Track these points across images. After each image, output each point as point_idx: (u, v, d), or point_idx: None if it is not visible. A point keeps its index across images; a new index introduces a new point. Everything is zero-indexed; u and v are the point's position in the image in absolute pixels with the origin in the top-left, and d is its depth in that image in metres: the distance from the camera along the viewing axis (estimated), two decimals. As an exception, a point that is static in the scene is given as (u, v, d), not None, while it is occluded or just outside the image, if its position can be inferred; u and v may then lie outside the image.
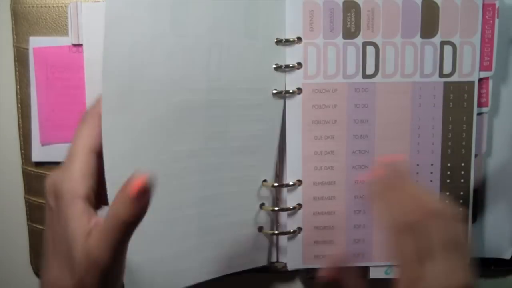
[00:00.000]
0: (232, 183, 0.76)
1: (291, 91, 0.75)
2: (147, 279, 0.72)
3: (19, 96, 0.80)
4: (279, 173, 0.79)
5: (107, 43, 0.62)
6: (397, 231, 0.53)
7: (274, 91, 0.75)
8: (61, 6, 0.78)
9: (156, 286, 0.73)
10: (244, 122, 0.74)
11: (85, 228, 0.54)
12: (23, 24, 0.78)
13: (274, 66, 0.75)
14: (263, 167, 0.77)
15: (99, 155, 0.59)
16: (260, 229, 0.79)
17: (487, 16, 0.76)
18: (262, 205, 0.78)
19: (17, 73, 0.79)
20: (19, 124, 0.80)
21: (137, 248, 0.66)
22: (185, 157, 0.71)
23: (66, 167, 0.56)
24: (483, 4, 0.75)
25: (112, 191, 0.59)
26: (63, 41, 0.78)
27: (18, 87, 0.80)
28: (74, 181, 0.55)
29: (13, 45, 0.79)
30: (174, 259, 0.73)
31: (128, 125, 0.65)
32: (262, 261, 0.81)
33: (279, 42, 0.74)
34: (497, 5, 0.75)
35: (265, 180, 0.78)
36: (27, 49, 0.78)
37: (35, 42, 0.78)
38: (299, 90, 0.75)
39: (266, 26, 0.73)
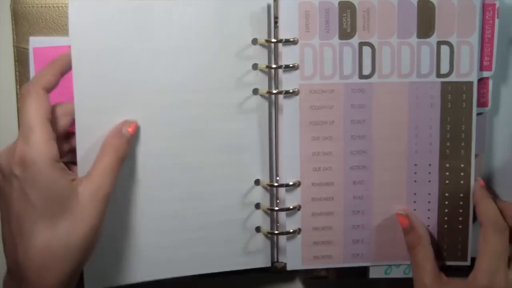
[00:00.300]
0: (220, 182, 0.77)
1: (291, 91, 0.75)
2: (136, 269, 0.76)
3: (19, 96, 0.80)
4: (275, 172, 0.79)
5: (75, 49, 0.70)
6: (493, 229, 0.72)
7: (257, 91, 0.77)
8: (61, 6, 0.79)
9: (141, 274, 0.76)
10: (224, 121, 0.76)
11: (69, 180, 0.64)
12: (23, 24, 0.79)
13: (253, 65, 0.76)
14: (253, 166, 0.78)
15: (51, 123, 0.66)
16: (258, 229, 0.79)
17: (487, 16, 0.76)
18: (257, 205, 0.79)
19: (17, 73, 0.80)
20: (19, 124, 0.80)
21: (120, 236, 0.75)
22: (163, 154, 0.75)
23: (27, 138, 0.62)
24: (483, 4, 0.75)
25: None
26: (63, 41, 0.78)
27: (18, 87, 0.80)
28: (42, 146, 0.62)
29: (13, 45, 0.80)
30: (158, 250, 0.77)
31: (102, 125, 0.71)
32: (263, 262, 0.81)
33: (278, 42, 0.75)
34: (497, 5, 0.76)
35: (257, 180, 0.78)
36: (27, 49, 0.79)
37: (35, 42, 0.79)
38: (296, 91, 0.75)
39: (239, 27, 0.75)
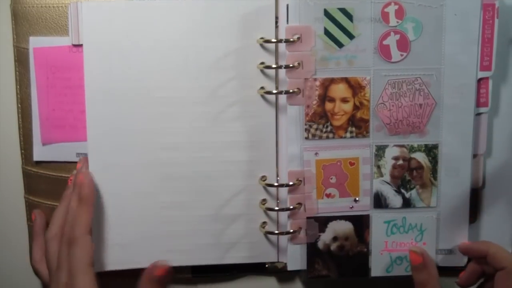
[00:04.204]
0: (225, 178, 0.82)
1: (291, 91, 0.78)
2: (141, 254, 0.82)
3: (19, 96, 0.83)
4: (276, 172, 0.83)
5: (86, 48, 0.78)
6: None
7: (263, 90, 0.80)
8: (61, 6, 0.81)
9: (147, 260, 0.79)
10: (231, 119, 0.80)
11: None
12: (23, 24, 0.82)
13: (261, 65, 0.79)
14: (260, 164, 0.82)
15: None
16: (264, 226, 0.83)
17: (487, 16, 0.78)
18: (259, 203, 0.82)
19: (17, 73, 0.83)
20: (19, 124, 0.83)
21: (128, 227, 0.81)
22: (170, 148, 0.80)
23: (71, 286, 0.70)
24: (483, 4, 0.78)
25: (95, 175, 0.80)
26: (63, 41, 0.81)
27: (18, 87, 0.83)
28: None
29: (13, 45, 0.82)
30: (164, 239, 0.82)
31: (112, 115, 0.79)
32: (265, 258, 0.85)
33: (278, 41, 0.78)
34: (497, 5, 0.78)
35: (263, 176, 0.82)
36: (27, 49, 0.81)
37: (35, 42, 0.81)
38: (299, 90, 0.78)
39: (247, 28, 0.79)
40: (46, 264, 0.75)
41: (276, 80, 0.80)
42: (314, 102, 0.79)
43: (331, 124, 0.80)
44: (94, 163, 0.80)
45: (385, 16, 0.77)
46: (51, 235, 0.75)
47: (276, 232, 0.82)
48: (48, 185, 0.84)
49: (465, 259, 0.83)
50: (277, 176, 0.82)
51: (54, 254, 0.74)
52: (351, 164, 0.81)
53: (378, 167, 0.81)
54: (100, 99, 0.79)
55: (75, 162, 0.82)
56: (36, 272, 0.79)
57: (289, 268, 0.84)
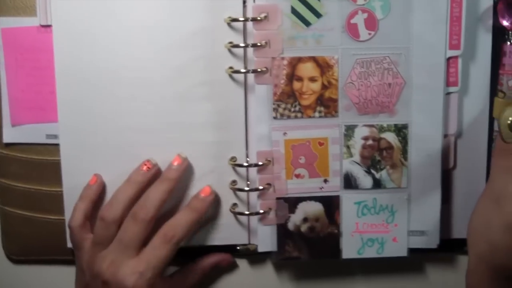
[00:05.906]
0: (195, 158, 0.82)
1: (258, 70, 0.79)
2: None
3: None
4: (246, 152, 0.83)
5: (55, 28, 0.80)
6: None
7: (231, 70, 0.80)
8: (27, -14, 0.82)
9: None
10: (199, 99, 0.81)
11: None
12: (-10, 4, 0.82)
13: (229, 44, 0.80)
14: (230, 144, 0.82)
15: None
16: (234, 207, 0.84)
17: (454, -6, 0.79)
18: (233, 182, 0.83)
19: (-15, 54, 0.83)
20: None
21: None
22: (139, 129, 0.81)
23: None
24: (451, -18, 0.78)
25: (66, 157, 0.82)
26: (32, 21, 0.81)
27: (-14, 68, 0.83)
28: None
29: (-19, 26, 0.82)
30: None
31: (82, 96, 0.81)
32: (237, 240, 0.86)
33: (245, 20, 0.79)
34: (464, -17, 0.79)
35: (233, 157, 0.82)
36: (-5, 30, 0.82)
37: (4, 22, 0.82)
38: (267, 69, 0.79)
39: (214, 7, 0.79)
40: (93, 239, 0.78)
41: (245, 60, 0.81)
42: (282, 81, 0.79)
43: (299, 104, 0.80)
44: (65, 144, 0.81)
45: (352, -6, 0.78)
46: (113, 217, 0.77)
47: (246, 213, 0.83)
48: (19, 167, 0.85)
49: (437, 240, 0.84)
50: (247, 157, 0.83)
51: (108, 237, 0.77)
52: (320, 144, 0.81)
53: (348, 147, 0.82)
54: (70, 79, 0.80)
55: (45, 144, 0.83)
56: (73, 235, 0.80)
57: (260, 249, 0.85)
